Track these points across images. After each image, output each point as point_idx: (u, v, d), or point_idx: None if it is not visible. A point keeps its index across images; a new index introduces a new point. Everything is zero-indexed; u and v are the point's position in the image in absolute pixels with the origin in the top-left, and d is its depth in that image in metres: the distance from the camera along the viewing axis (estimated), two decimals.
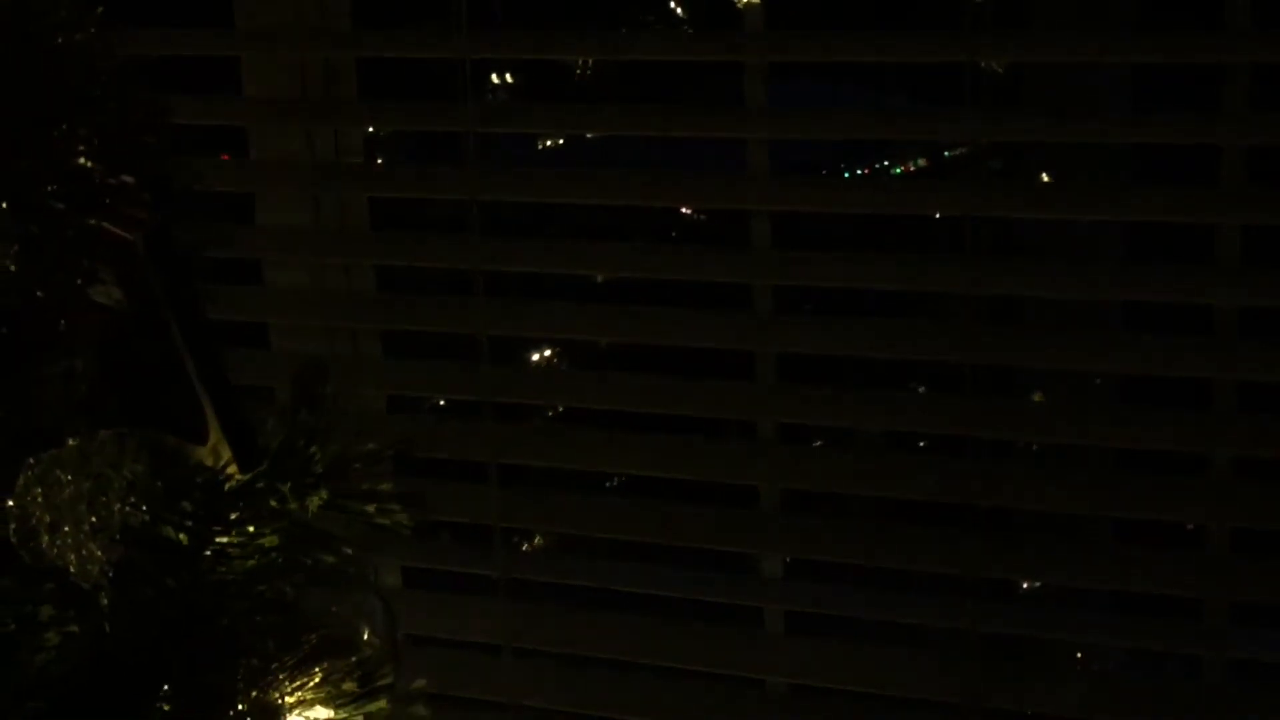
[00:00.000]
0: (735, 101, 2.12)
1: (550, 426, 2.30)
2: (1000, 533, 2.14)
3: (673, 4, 2.23)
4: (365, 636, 1.27)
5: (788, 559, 2.27)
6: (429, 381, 2.34)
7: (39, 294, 1.15)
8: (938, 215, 2.32)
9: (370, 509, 1.21)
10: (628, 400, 2.21)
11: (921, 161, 2.43)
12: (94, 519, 1.16)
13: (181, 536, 1.16)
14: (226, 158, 2.41)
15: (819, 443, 2.31)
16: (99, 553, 1.16)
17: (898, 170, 2.90)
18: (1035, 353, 2.09)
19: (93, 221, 1.18)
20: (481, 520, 2.30)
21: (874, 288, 2.13)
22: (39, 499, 1.17)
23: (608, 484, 2.47)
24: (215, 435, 1.22)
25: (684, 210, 2.37)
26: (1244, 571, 2.06)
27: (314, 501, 1.21)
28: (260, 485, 1.20)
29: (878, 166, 2.63)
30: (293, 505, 1.21)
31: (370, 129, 2.34)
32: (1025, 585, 2.21)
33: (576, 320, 2.24)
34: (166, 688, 1.14)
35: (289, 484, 1.21)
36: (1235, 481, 2.05)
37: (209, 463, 1.22)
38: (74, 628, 1.15)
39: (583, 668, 2.32)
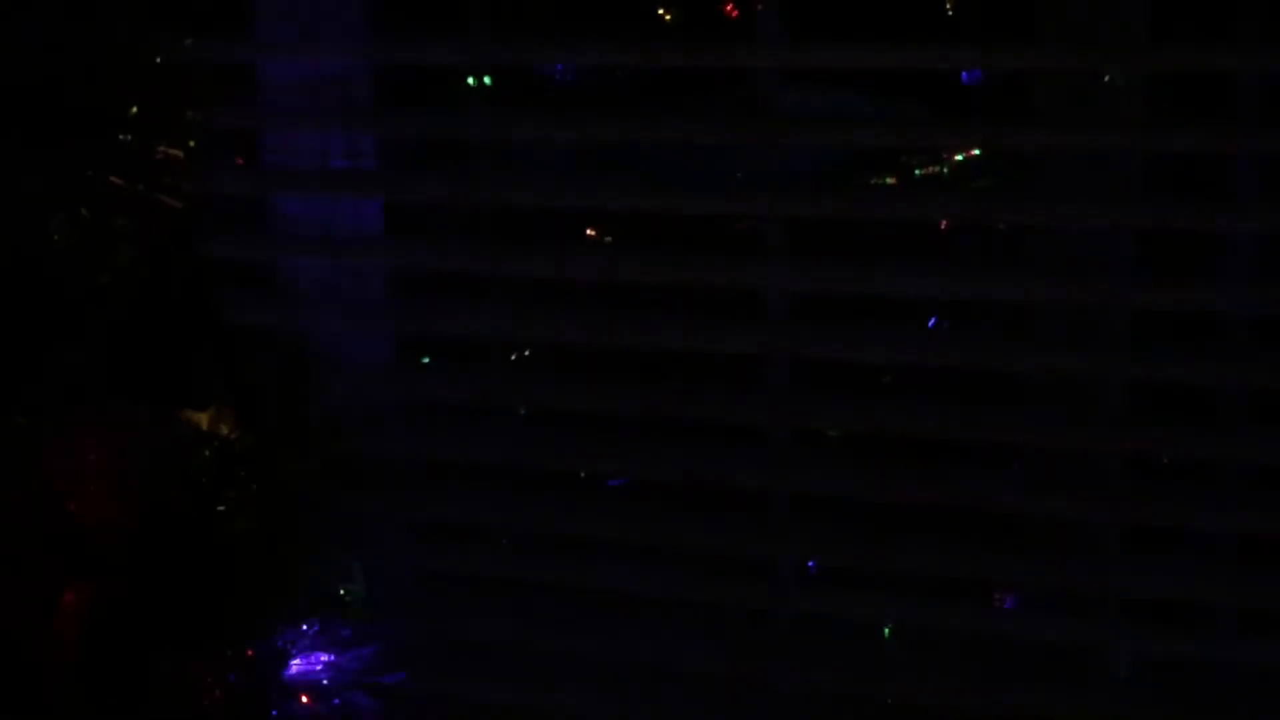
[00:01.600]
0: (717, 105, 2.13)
1: (562, 429, 2.29)
2: (1009, 537, 2.15)
3: (660, 10, 2.23)
4: (344, 593, 1.32)
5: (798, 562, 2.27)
6: (442, 384, 2.34)
7: (86, 260, 1.21)
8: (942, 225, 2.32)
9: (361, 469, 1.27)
10: (641, 404, 2.22)
11: (890, 180, 2.43)
12: (115, 481, 1.21)
13: (195, 495, 1.23)
14: (241, 161, 2.42)
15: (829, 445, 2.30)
16: (120, 512, 1.21)
17: None
18: (1043, 359, 2.09)
19: (140, 188, 1.23)
20: (490, 522, 2.30)
21: (886, 294, 2.14)
22: (63, 462, 1.23)
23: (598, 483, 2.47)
24: (219, 402, 1.29)
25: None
26: (1253, 577, 2.06)
27: (310, 462, 1.28)
28: (262, 448, 1.27)
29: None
30: (290, 466, 1.28)
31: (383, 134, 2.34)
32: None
33: (589, 324, 2.24)
34: (184, 637, 1.21)
35: (287, 447, 1.28)
36: (1242, 487, 2.05)
37: (212, 428, 1.28)
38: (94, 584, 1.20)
39: (591, 671, 2.32)
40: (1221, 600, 2.09)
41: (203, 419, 1.29)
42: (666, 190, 2.17)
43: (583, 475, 2.41)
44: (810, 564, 2.29)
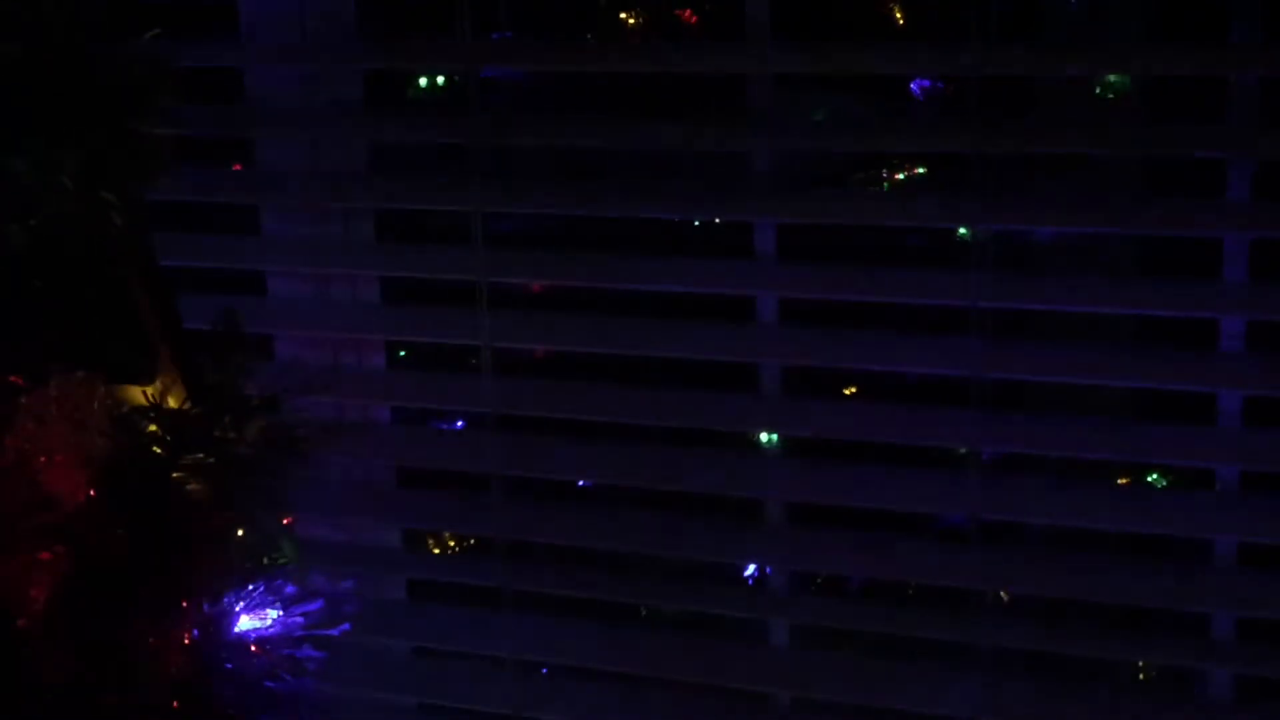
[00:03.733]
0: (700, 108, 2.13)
1: (554, 438, 2.28)
2: (1008, 545, 2.13)
3: (623, 14, 2.24)
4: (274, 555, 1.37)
5: (793, 572, 2.26)
6: (433, 393, 2.33)
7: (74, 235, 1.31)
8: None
9: (296, 436, 1.36)
10: (634, 412, 2.21)
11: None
12: (81, 450, 1.29)
13: (151, 463, 1.30)
14: (239, 167, 2.41)
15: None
16: (85, 478, 1.28)
17: None
18: (1042, 366, 2.08)
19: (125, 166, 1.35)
20: (485, 533, 2.29)
21: (880, 300, 2.13)
22: (32, 434, 1.29)
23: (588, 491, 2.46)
24: (165, 375, 1.36)
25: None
26: (1251, 586, 2.04)
27: (251, 429, 1.36)
28: (208, 416, 1.35)
29: None
30: (231, 434, 1.36)
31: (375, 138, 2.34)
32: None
33: (584, 333, 2.24)
34: (147, 596, 1.29)
35: (230, 415, 1.36)
36: (1242, 495, 2.04)
37: (157, 399, 1.36)
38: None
39: (585, 681, 2.31)
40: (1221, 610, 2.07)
41: (150, 392, 1.35)
42: (659, 196, 2.17)
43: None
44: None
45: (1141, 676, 2.28)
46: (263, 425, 1.36)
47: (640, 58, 2.17)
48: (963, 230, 2.17)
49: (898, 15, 2.18)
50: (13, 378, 1.28)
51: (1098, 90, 2.15)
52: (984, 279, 2.04)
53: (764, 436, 2.25)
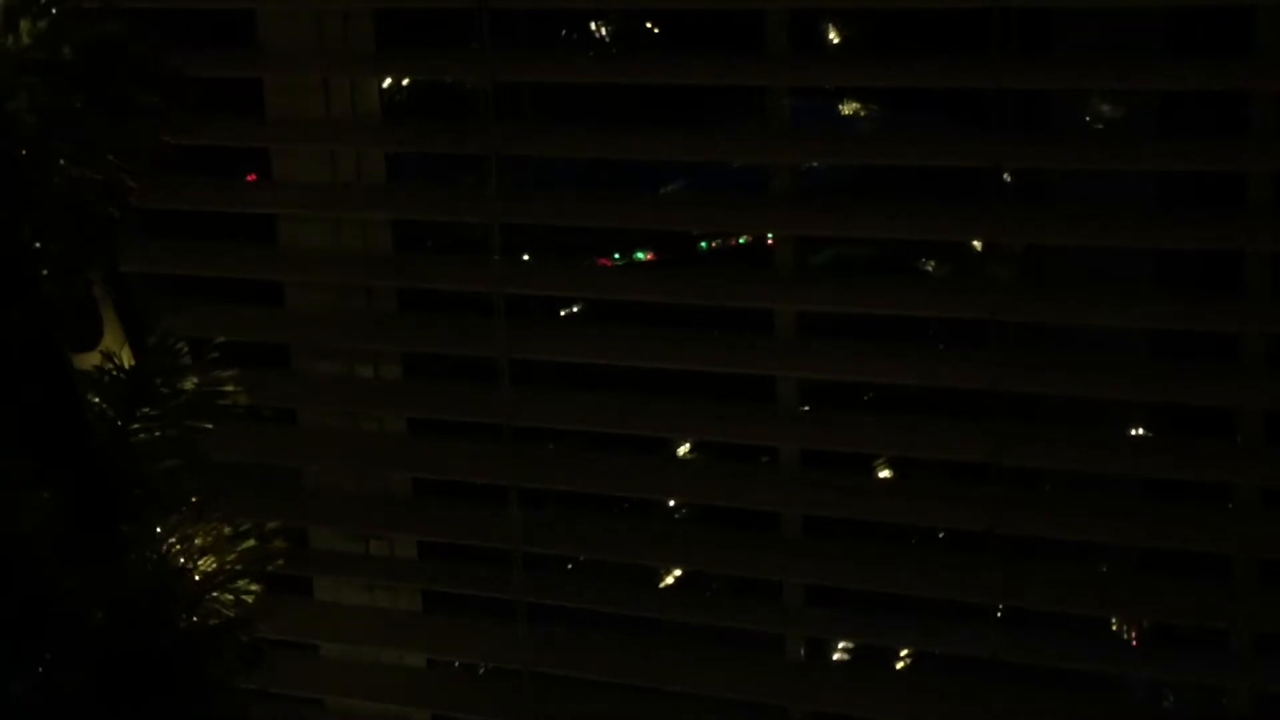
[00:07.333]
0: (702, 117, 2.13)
1: (571, 450, 2.28)
2: (1024, 561, 2.13)
3: (593, 25, 2.24)
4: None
5: (809, 585, 2.25)
6: (449, 404, 2.33)
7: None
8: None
9: (230, 389, 1.48)
10: (650, 423, 2.20)
11: None
12: None
13: (112, 413, 1.43)
14: (253, 178, 2.41)
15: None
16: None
17: None
18: (1059, 379, 2.07)
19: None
20: (502, 544, 2.29)
21: (899, 314, 2.13)
22: None
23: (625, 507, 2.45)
24: (109, 337, 1.46)
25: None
26: (1271, 601, 2.04)
27: (188, 384, 1.47)
28: (150, 373, 1.46)
29: None
30: (166, 389, 1.47)
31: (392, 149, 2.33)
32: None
33: (599, 343, 2.23)
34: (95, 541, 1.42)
35: (167, 372, 1.47)
36: (1262, 511, 2.03)
37: (107, 363, 1.46)
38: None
39: (601, 694, 2.31)
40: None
41: (102, 353, 1.45)
42: (676, 207, 2.17)
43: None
44: None
45: None
46: (196, 382, 1.46)
47: (657, 73, 2.17)
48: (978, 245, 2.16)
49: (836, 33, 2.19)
50: None
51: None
52: (1003, 293, 2.04)
53: None
